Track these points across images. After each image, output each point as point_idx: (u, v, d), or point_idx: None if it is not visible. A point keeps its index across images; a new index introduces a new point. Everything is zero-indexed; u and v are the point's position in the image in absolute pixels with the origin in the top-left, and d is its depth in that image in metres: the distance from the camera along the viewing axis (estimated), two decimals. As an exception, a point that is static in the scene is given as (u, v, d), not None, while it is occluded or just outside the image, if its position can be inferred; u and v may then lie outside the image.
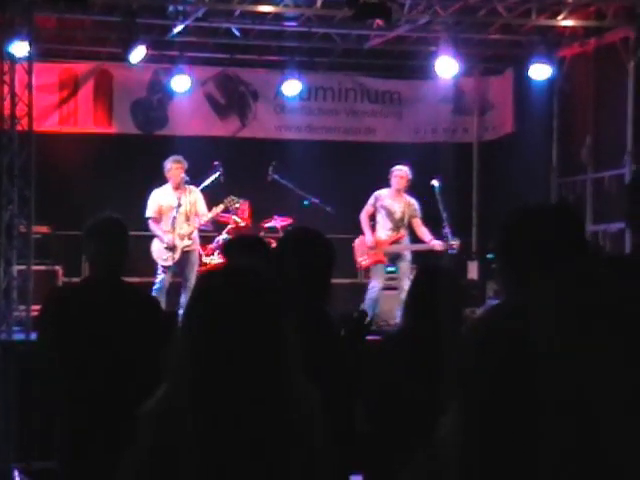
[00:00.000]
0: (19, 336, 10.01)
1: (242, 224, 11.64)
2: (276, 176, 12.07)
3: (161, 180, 11.31)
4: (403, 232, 11.37)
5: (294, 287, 3.70)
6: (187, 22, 12.04)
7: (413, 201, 11.41)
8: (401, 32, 12.62)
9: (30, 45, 10.56)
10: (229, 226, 11.55)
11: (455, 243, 11.20)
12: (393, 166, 11.66)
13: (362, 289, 11.78)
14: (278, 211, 11.91)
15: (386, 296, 11.44)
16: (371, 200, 11.48)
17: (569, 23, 12.38)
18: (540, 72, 12.77)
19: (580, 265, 2.34)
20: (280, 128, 14.20)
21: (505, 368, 2.04)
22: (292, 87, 13.49)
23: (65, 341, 4.37)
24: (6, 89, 10.40)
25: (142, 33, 12.05)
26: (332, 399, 3.27)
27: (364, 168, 13.59)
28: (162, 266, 10.98)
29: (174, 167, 11.01)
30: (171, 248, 10.88)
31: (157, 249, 11.04)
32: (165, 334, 4.21)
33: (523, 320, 2.23)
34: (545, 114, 13.58)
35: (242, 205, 11.78)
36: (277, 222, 11.88)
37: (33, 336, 9.58)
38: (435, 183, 11.47)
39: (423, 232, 11.38)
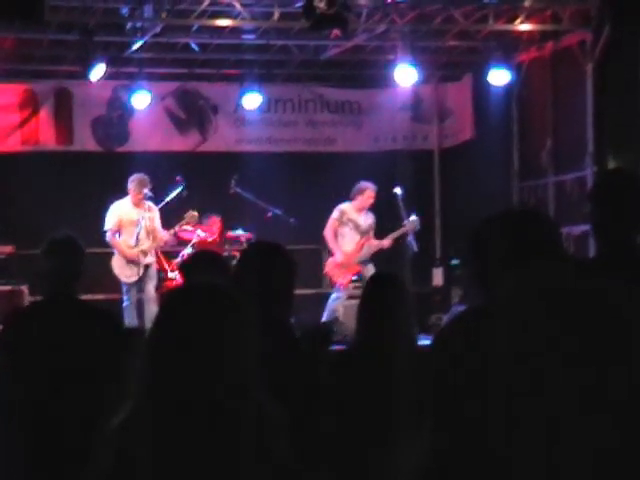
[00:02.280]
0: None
1: (209, 239, 11.64)
2: (238, 189, 12.09)
3: (123, 196, 11.30)
4: (367, 238, 11.46)
5: (255, 302, 3.72)
6: (145, 38, 12.03)
7: (372, 215, 11.58)
8: (358, 42, 12.69)
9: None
10: (193, 240, 11.55)
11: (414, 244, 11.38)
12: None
13: (326, 299, 11.83)
14: (241, 224, 11.92)
15: (351, 305, 11.47)
16: (336, 214, 11.52)
17: (526, 27, 12.49)
18: (498, 77, 12.87)
19: (536, 268, 2.40)
20: (241, 141, 14.22)
21: (458, 366, 2.09)
22: (252, 100, 13.50)
23: (20, 363, 4.33)
24: (-35, 111, 10.35)
25: (100, 50, 12.04)
26: (293, 415, 3.29)
27: (325, 178, 13.65)
28: (127, 283, 10.94)
29: (137, 183, 11.03)
30: (135, 263, 10.86)
31: (118, 265, 11.00)
32: (125, 350, 4.19)
33: (478, 322, 2.27)
34: (504, 119, 13.68)
35: (211, 219, 11.80)
36: (240, 235, 11.90)
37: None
38: (398, 191, 11.55)
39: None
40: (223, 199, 12.40)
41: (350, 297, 11.81)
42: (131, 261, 10.91)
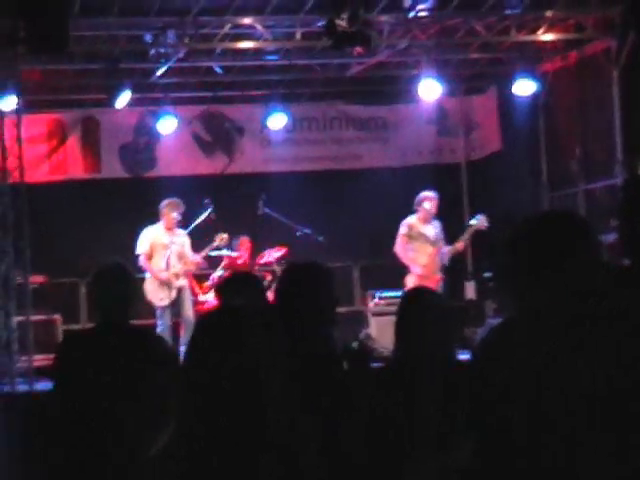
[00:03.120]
0: (22, 387, 9.97)
1: (240, 261, 11.65)
2: (266, 209, 12.10)
3: (153, 221, 11.35)
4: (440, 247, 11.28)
5: (300, 320, 3.75)
6: (169, 63, 12.11)
7: (438, 223, 11.35)
8: (381, 58, 12.69)
9: (18, 98, 10.60)
10: (224, 262, 11.56)
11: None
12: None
13: (358, 316, 11.81)
14: (270, 244, 11.93)
15: (383, 321, 11.44)
16: (403, 230, 11.23)
17: (549, 37, 12.45)
18: (523, 88, 12.82)
19: (569, 274, 2.35)
20: (267, 161, 14.25)
21: (499, 378, 2.17)
22: (277, 120, 13.55)
23: (73, 389, 4.41)
24: (-4, 144, 10.45)
25: (125, 78, 12.13)
26: (334, 431, 3.28)
27: (353, 195, 13.65)
28: (160, 307, 10.94)
29: (170, 208, 11.07)
30: (167, 285, 10.87)
31: (151, 289, 10.99)
32: (173, 374, 4.23)
33: (515, 333, 2.26)
34: (531, 129, 13.62)
35: (241, 241, 11.81)
36: (270, 256, 11.90)
37: (37, 387, 9.58)
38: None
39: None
40: (252, 220, 12.42)
41: (380, 314, 11.78)
42: (163, 284, 10.92)
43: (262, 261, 11.99)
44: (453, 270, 11.76)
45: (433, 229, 11.27)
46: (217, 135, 14.17)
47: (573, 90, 13.00)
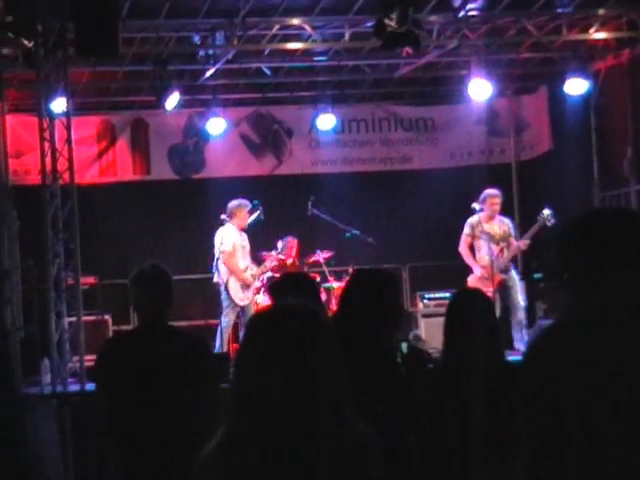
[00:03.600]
0: (74, 387, 10.06)
1: (288, 261, 11.65)
2: (315, 210, 12.08)
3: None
4: (502, 245, 11.24)
5: (364, 326, 3.77)
6: (218, 65, 12.13)
7: (507, 220, 11.34)
8: (430, 58, 12.61)
9: (67, 100, 10.69)
10: (272, 263, 11.56)
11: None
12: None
13: (408, 318, 11.75)
14: (320, 245, 11.92)
15: (433, 322, 11.40)
16: (467, 230, 11.29)
17: (601, 36, 12.29)
18: (575, 87, 12.68)
19: (628, 280, 2.28)
20: (316, 163, 14.25)
21: (553, 382, 2.11)
22: (326, 121, 13.53)
23: (116, 390, 4.44)
24: (47, 145, 10.53)
25: (174, 79, 12.18)
26: (391, 433, 3.24)
27: (402, 197, 13.60)
28: (239, 306, 11.04)
29: (243, 209, 11.15)
30: (249, 287, 11.02)
31: (234, 287, 11.11)
32: (216, 374, 4.24)
33: (569, 336, 2.18)
34: (582, 129, 13.48)
35: (290, 241, 11.82)
36: (319, 256, 11.89)
37: (88, 387, 9.66)
38: (476, 206, 11.39)
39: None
40: (300, 221, 12.42)
41: (429, 315, 11.73)
42: (245, 284, 11.07)
43: (310, 260, 11.98)
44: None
45: (500, 227, 11.25)
46: (266, 136, 14.18)
47: (625, 89, 12.83)
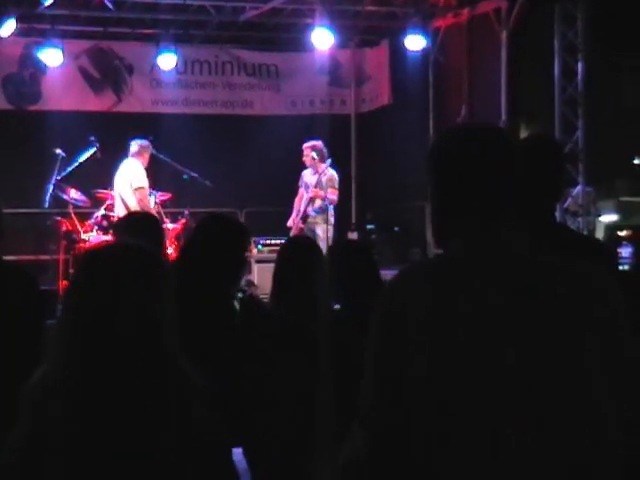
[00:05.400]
0: None
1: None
2: (154, 151, 11.94)
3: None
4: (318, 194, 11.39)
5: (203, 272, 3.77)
6: (58, -6, 11.77)
7: (331, 172, 11.47)
8: (276, 4, 12.59)
9: None
10: (107, 202, 11.38)
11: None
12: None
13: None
14: (157, 186, 11.81)
15: (264, 268, 11.59)
16: (299, 182, 11.61)
17: (442, -6, 12.55)
18: (415, 43, 12.91)
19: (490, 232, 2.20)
20: (157, 102, 14.05)
21: (400, 327, 2.10)
22: (168, 60, 13.32)
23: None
24: None
25: (11, 6, 11.74)
26: (223, 379, 3.27)
27: (242, 141, 13.59)
28: None
29: (149, 150, 11.14)
30: None
31: None
32: (41, 311, 4.14)
33: (414, 281, 2.19)
34: (421, 85, 13.74)
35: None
36: (156, 197, 11.78)
37: None
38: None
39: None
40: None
41: (262, 261, 11.87)
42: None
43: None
44: (336, 220, 11.88)
45: (316, 177, 11.44)
46: (106, 72, 13.86)
47: (462, 48, 13.12)
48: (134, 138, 11.35)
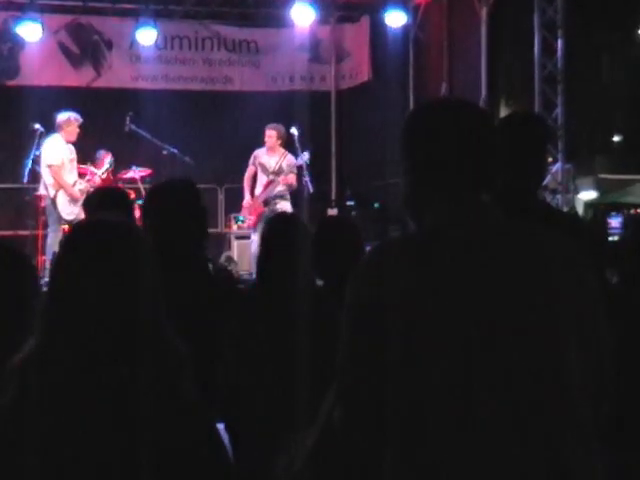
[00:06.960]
0: None
1: (103, 176, 11.46)
2: (133, 126, 11.90)
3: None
4: (278, 180, 11.34)
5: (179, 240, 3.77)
6: (37, -32, 11.68)
7: (291, 157, 11.41)
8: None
9: None
10: (87, 177, 11.35)
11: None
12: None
13: (222, 239, 11.84)
14: (136, 162, 11.78)
15: (243, 244, 11.63)
16: (251, 160, 11.47)
17: (420, -30, 12.53)
18: (395, 20, 12.91)
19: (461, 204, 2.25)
20: (136, 78, 13.98)
21: (376, 299, 2.13)
22: (147, 36, 13.25)
23: None
24: None
25: (-11, -20, 11.65)
26: (202, 352, 3.29)
27: (221, 117, 13.56)
28: (65, 220, 10.71)
29: (73, 123, 10.85)
30: (76, 201, 10.67)
31: (62, 202, 10.75)
32: (28, 283, 4.14)
33: (392, 255, 2.21)
34: (401, 62, 13.74)
35: (104, 155, 11.62)
36: (135, 173, 11.77)
37: None
38: (294, 131, 11.53)
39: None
40: (117, 136, 12.19)
41: (242, 237, 11.90)
42: (74, 199, 10.73)
43: (125, 176, 11.85)
44: (316, 197, 11.90)
45: (277, 161, 11.35)
46: (85, 47, 13.78)
47: (442, 26, 13.14)
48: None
